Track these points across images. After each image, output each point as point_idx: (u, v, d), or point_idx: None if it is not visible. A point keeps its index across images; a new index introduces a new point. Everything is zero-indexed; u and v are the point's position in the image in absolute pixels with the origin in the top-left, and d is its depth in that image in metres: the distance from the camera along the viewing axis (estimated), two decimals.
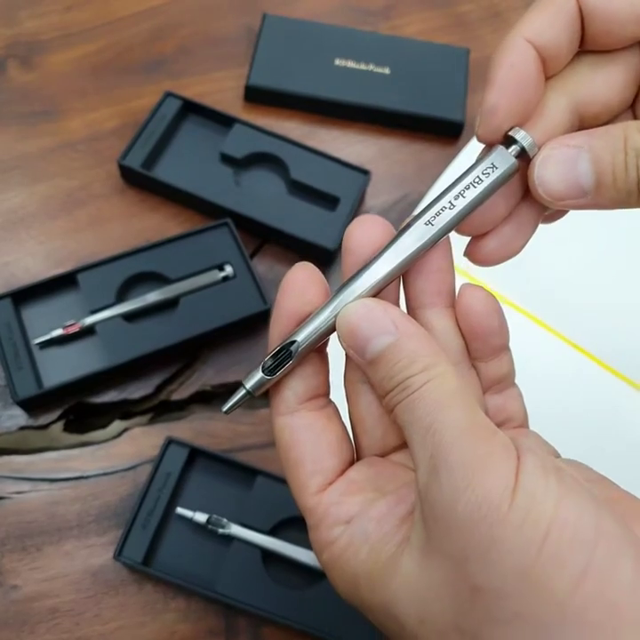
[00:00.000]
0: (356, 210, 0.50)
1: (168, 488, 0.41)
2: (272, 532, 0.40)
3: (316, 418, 0.24)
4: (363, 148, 0.55)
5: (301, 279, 0.24)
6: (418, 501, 0.21)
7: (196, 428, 0.44)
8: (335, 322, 0.23)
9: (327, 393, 0.25)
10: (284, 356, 0.23)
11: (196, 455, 0.42)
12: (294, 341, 0.23)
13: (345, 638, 0.38)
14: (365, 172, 0.51)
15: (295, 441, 0.24)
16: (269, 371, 0.23)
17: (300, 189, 0.51)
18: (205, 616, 0.40)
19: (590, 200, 0.22)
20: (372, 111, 0.55)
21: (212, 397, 0.46)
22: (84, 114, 0.55)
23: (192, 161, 0.52)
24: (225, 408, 0.25)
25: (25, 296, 0.46)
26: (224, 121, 0.53)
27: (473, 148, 0.53)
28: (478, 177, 0.23)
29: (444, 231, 0.23)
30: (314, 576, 0.40)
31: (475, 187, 0.23)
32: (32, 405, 0.44)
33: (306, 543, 0.40)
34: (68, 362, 0.44)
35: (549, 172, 0.22)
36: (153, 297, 0.46)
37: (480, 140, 0.24)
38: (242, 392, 0.24)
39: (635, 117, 0.24)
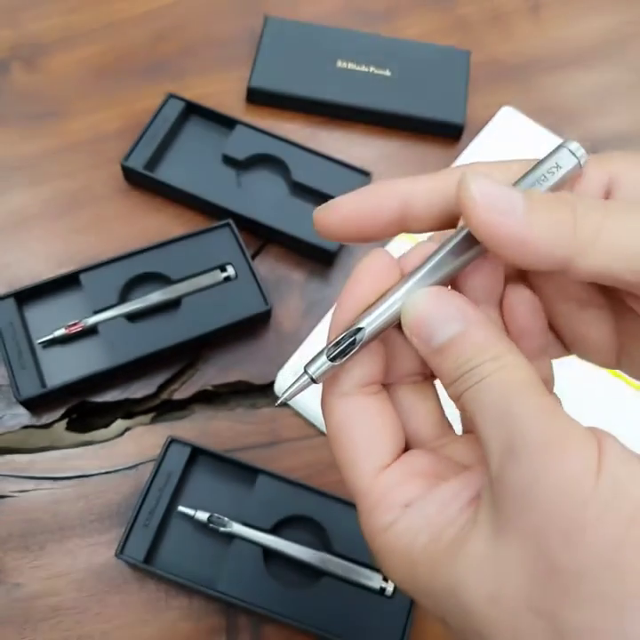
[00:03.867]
0: None
1: (170, 487, 0.41)
2: (273, 530, 0.40)
3: (371, 402, 0.23)
4: (364, 149, 0.55)
5: (376, 267, 0.23)
6: (488, 484, 0.20)
7: (197, 428, 0.45)
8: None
9: (382, 379, 0.24)
10: (349, 343, 0.22)
11: (197, 454, 0.43)
12: (360, 328, 0.22)
13: (345, 636, 0.38)
14: (366, 174, 0.51)
15: (350, 423, 0.23)
16: (333, 357, 0.22)
17: (302, 191, 0.51)
18: (207, 614, 0.40)
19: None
20: (373, 113, 0.55)
21: (214, 397, 0.47)
22: (86, 115, 0.55)
23: (194, 162, 0.52)
24: (284, 396, 0.24)
25: (28, 296, 0.46)
26: (226, 122, 0.53)
27: (473, 149, 0.53)
28: (543, 175, 0.22)
29: None
30: (315, 574, 0.40)
31: (540, 184, 0.23)
32: (35, 404, 0.44)
33: (307, 542, 0.40)
34: (70, 361, 0.45)
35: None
36: (155, 297, 0.46)
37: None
38: (304, 379, 0.23)
39: None
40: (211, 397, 0.47)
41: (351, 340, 0.22)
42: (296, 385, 0.23)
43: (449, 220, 0.23)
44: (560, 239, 0.21)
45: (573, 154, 0.23)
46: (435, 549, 0.21)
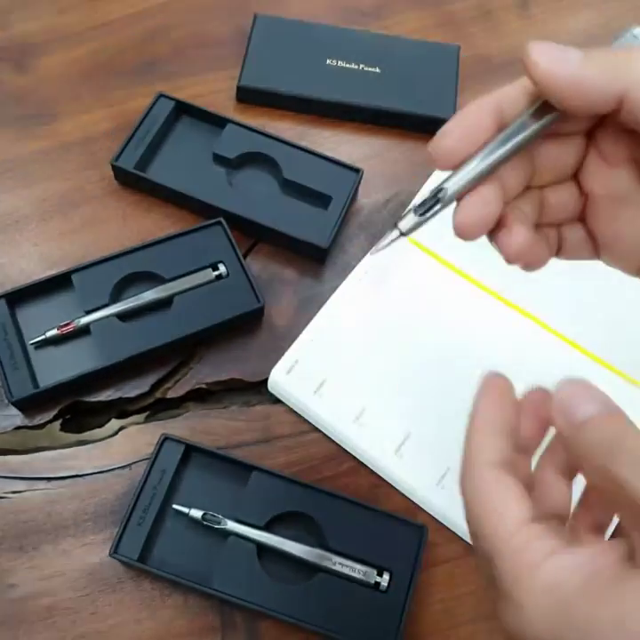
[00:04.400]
0: (348, 208, 0.50)
1: (163, 485, 0.41)
2: (267, 527, 0.40)
3: (510, 475, 0.25)
4: (354, 147, 0.55)
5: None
6: None
7: (191, 426, 0.45)
8: (481, 172, 0.25)
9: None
10: (434, 202, 0.26)
11: (191, 452, 0.43)
12: (442, 188, 0.26)
13: (340, 632, 0.38)
14: (357, 171, 0.51)
15: (496, 484, 0.25)
16: (421, 214, 0.26)
17: (293, 189, 0.51)
18: (202, 612, 0.40)
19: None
20: (364, 110, 0.55)
21: (208, 395, 0.47)
22: (77, 116, 0.55)
23: (185, 162, 0.52)
24: (376, 249, 0.27)
25: (20, 297, 0.46)
26: (217, 122, 0.53)
27: None
28: None
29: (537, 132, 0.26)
30: (309, 570, 0.40)
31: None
32: (28, 405, 0.44)
33: (301, 538, 0.40)
34: (63, 362, 0.45)
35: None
36: (147, 296, 0.46)
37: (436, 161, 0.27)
38: (394, 233, 0.27)
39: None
40: (204, 395, 0.47)
41: (435, 199, 0.26)
42: (387, 239, 0.27)
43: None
44: (615, 72, 0.23)
45: None
46: (595, 587, 0.22)
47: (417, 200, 0.26)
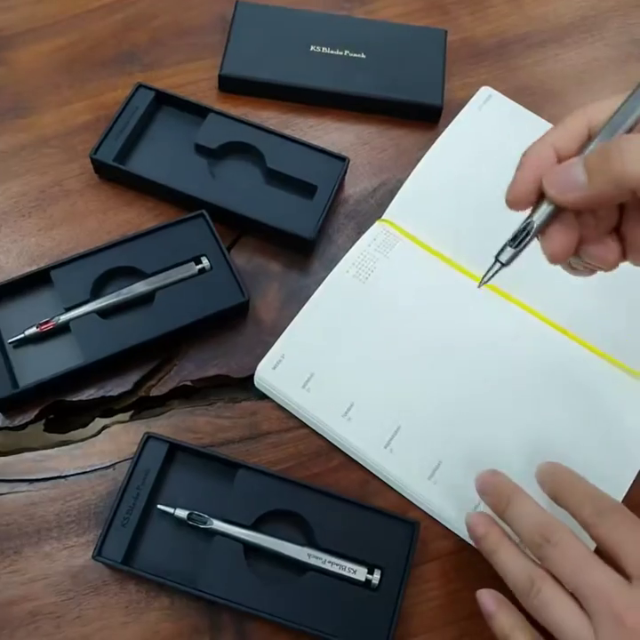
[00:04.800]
0: (335, 198, 0.49)
1: (147, 485, 0.40)
2: (255, 526, 0.39)
3: None
4: (340, 135, 0.54)
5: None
6: None
7: (176, 424, 0.44)
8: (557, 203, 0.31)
9: None
10: (525, 235, 0.32)
11: (175, 451, 0.41)
12: (531, 222, 0.32)
13: (331, 632, 0.37)
14: (343, 159, 0.50)
15: None
16: (516, 246, 0.32)
17: (277, 179, 0.50)
18: (189, 614, 0.39)
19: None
20: (349, 98, 0.54)
21: (193, 392, 0.45)
22: (55, 109, 0.54)
23: (166, 153, 0.51)
24: (483, 281, 0.33)
25: None
26: (198, 111, 0.52)
27: (452, 131, 0.52)
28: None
29: None
30: (298, 569, 0.39)
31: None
32: (8, 406, 0.43)
33: (289, 536, 0.39)
34: (43, 360, 0.43)
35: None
36: (128, 292, 0.45)
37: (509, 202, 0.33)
38: (497, 265, 0.33)
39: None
40: (189, 393, 0.45)
41: (526, 231, 0.31)
42: (491, 271, 0.33)
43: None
44: (618, 180, 0.29)
45: None
46: None
47: (509, 234, 0.32)
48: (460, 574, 0.40)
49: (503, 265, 0.32)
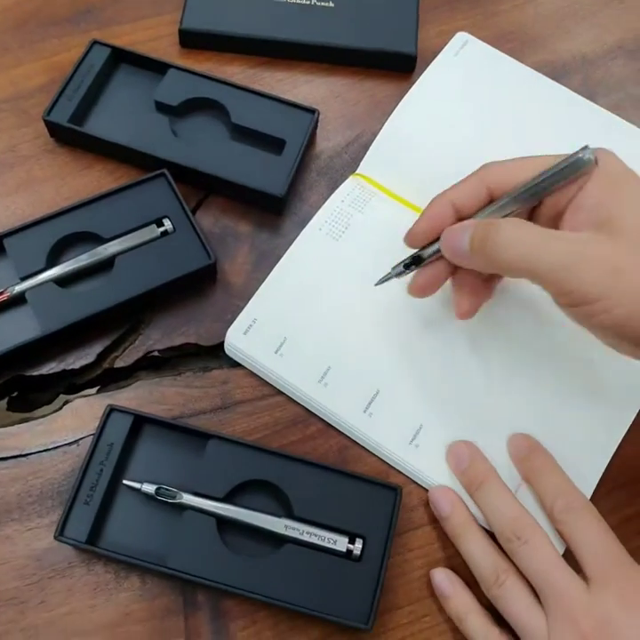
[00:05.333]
0: (305, 152, 0.46)
1: (111, 460, 0.37)
2: (228, 498, 0.37)
3: None
4: (310, 88, 0.51)
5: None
6: None
7: (143, 396, 0.41)
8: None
9: None
10: (415, 262, 0.38)
11: (141, 423, 0.39)
12: (421, 255, 0.38)
13: (312, 606, 0.35)
14: (312, 112, 0.47)
15: None
16: (407, 269, 0.38)
17: (243, 134, 0.47)
18: (161, 593, 0.37)
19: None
20: (318, 49, 0.51)
21: (161, 362, 0.43)
22: (6, 71, 0.50)
23: (126, 113, 0.48)
24: (377, 283, 0.40)
25: None
26: (158, 68, 0.49)
27: (426, 80, 0.49)
28: (563, 171, 0.34)
29: (537, 198, 0.35)
30: (276, 542, 0.37)
31: (559, 175, 0.34)
32: None
33: (265, 508, 0.37)
34: None
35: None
36: (86, 258, 0.42)
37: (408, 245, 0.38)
38: (391, 275, 0.39)
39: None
40: (157, 363, 0.43)
41: (415, 262, 0.38)
42: (385, 278, 0.40)
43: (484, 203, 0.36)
44: (487, 261, 0.34)
45: (582, 159, 0.33)
46: None
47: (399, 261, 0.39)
48: (447, 542, 0.38)
49: (396, 276, 0.39)
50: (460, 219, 0.37)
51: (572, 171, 0.33)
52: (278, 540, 0.37)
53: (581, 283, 0.31)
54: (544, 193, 0.34)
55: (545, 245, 0.32)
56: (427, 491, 0.39)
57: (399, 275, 0.39)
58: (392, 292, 0.42)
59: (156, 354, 0.43)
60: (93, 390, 0.42)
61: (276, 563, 0.36)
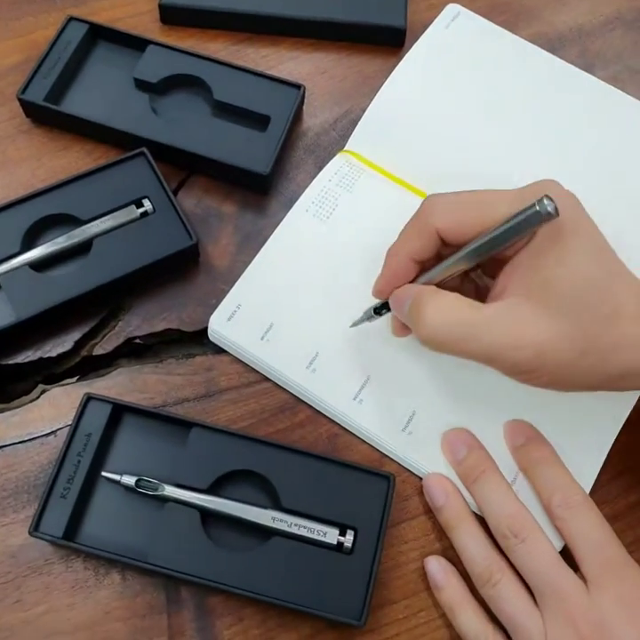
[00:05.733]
0: (291, 129, 0.45)
1: (89, 451, 0.36)
2: (212, 489, 0.35)
3: None
4: (296, 64, 0.49)
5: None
6: None
7: (123, 384, 0.39)
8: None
9: None
10: (386, 307, 0.37)
11: (121, 412, 0.37)
12: (386, 303, 0.37)
13: (301, 602, 0.33)
14: (298, 87, 0.45)
15: None
16: (375, 312, 0.38)
17: (226, 111, 0.45)
18: (143, 590, 0.35)
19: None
20: (304, 23, 0.49)
21: (142, 350, 0.41)
22: None
23: (104, 91, 0.46)
24: (352, 325, 0.39)
25: None
26: (137, 45, 0.47)
27: (416, 54, 0.47)
28: (517, 227, 0.30)
29: (487, 256, 0.32)
30: (263, 535, 0.35)
31: (513, 232, 0.31)
32: None
33: (251, 499, 0.35)
34: None
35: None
36: (63, 241, 0.40)
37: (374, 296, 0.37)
38: (362, 319, 0.39)
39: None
40: (138, 350, 0.41)
41: (384, 309, 0.37)
42: (361, 321, 0.39)
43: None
44: (418, 335, 0.33)
45: (540, 213, 0.29)
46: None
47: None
48: (443, 533, 0.36)
49: (368, 320, 0.38)
50: (423, 268, 0.35)
51: (528, 225, 0.30)
52: (265, 532, 0.35)
53: (508, 366, 0.31)
54: (495, 250, 0.31)
55: (469, 336, 0.31)
56: (421, 479, 0.37)
57: (371, 319, 0.38)
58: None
59: (136, 340, 0.41)
60: (73, 380, 0.41)
61: (264, 556, 0.34)
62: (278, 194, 0.44)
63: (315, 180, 0.43)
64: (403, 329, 0.37)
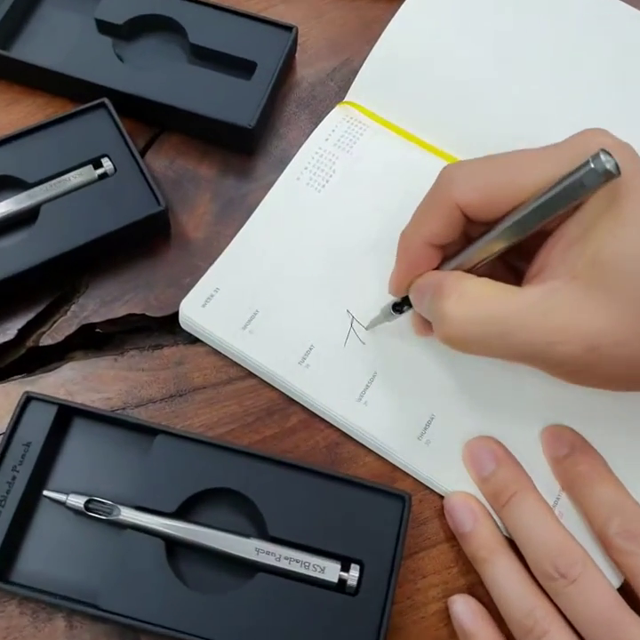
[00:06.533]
0: (281, 78, 0.38)
1: (28, 464, 0.28)
2: (180, 513, 0.28)
3: None
4: (288, 7, 0.42)
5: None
6: None
7: (75, 381, 0.32)
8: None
9: None
10: (407, 302, 0.30)
11: (69, 416, 0.30)
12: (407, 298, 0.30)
13: None
14: (289, 29, 0.38)
15: None
16: (397, 312, 0.31)
17: (204, 57, 0.38)
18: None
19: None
20: None
21: (99, 339, 0.34)
22: None
23: (61, 35, 0.39)
24: (368, 327, 0.33)
25: None
26: None
27: None
28: (565, 194, 0.24)
29: (528, 234, 0.26)
30: (244, 571, 0.28)
31: (559, 201, 0.24)
32: None
33: (229, 525, 0.28)
34: None
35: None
36: (5, 208, 0.33)
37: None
38: (379, 319, 0.32)
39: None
40: (95, 340, 0.34)
41: (405, 300, 0.30)
42: (377, 321, 0.32)
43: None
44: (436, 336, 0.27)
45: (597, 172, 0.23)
46: None
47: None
48: (470, 564, 0.29)
49: (387, 320, 0.32)
50: (446, 256, 0.29)
51: (582, 189, 0.23)
52: (248, 568, 0.28)
53: (552, 365, 0.25)
54: (540, 224, 0.25)
55: (500, 332, 0.25)
56: (442, 498, 0.30)
57: (389, 318, 0.31)
58: (387, 253, 0.33)
59: (97, 330, 0.34)
60: (19, 377, 0.33)
61: (246, 599, 0.27)
62: (266, 154, 0.37)
63: (307, 141, 0.36)
64: (427, 327, 0.30)
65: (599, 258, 0.24)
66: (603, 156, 0.23)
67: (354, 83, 0.37)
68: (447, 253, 0.29)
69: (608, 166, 0.23)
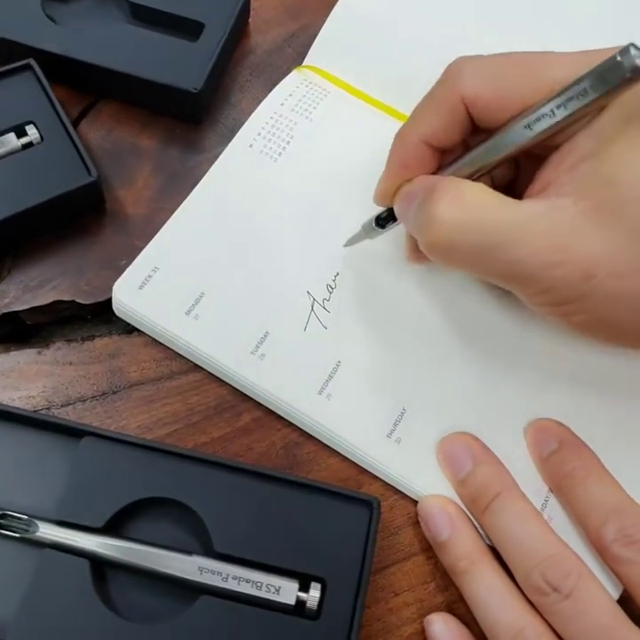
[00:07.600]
0: (232, 41, 0.34)
1: None
2: (109, 528, 0.24)
3: None
4: None
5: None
6: None
7: None
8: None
9: None
10: (393, 217, 0.27)
11: None
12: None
13: None
14: None
15: None
16: (377, 224, 0.28)
17: (146, 17, 0.34)
18: None
19: None
20: None
21: (22, 330, 0.30)
22: None
23: None
24: (346, 244, 0.30)
25: None
26: None
27: None
28: (585, 89, 0.21)
29: (540, 137, 0.23)
30: (183, 595, 0.24)
31: (578, 99, 0.22)
32: None
33: (168, 540, 0.24)
34: None
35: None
36: None
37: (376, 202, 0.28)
38: (360, 235, 0.29)
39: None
40: (17, 331, 0.30)
41: (389, 218, 0.28)
42: (356, 238, 0.29)
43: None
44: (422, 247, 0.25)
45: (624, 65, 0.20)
46: None
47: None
48: (449, 578, 0.25)
49: (369, 237, 0.29)
50: (444, 156, 0.26)
51: (605, 87, 0.21)
52: (190, 590, 0.23)
53: (541, 291, 0.23)
54: (553, 129, 0.22)
55: (494, 243, 0.22)
56: (416, 503, 0.27)
57: (371, 234, 0.28)
58: (346, 226, 0.30)
59: (22, 318, 0.29)
60: None
61: (187, 627, 0.23)
62: (216, 123, 0.34)
63: (262, 104, 0.33)
64: (418, 251, 0.27)
65: (615, 178, 0.21)
66: (633, 51, 0.20)
67: (313, 45, 0.34)
68: (443, 164, 0.26)
69: (638, 62, 0.20)
